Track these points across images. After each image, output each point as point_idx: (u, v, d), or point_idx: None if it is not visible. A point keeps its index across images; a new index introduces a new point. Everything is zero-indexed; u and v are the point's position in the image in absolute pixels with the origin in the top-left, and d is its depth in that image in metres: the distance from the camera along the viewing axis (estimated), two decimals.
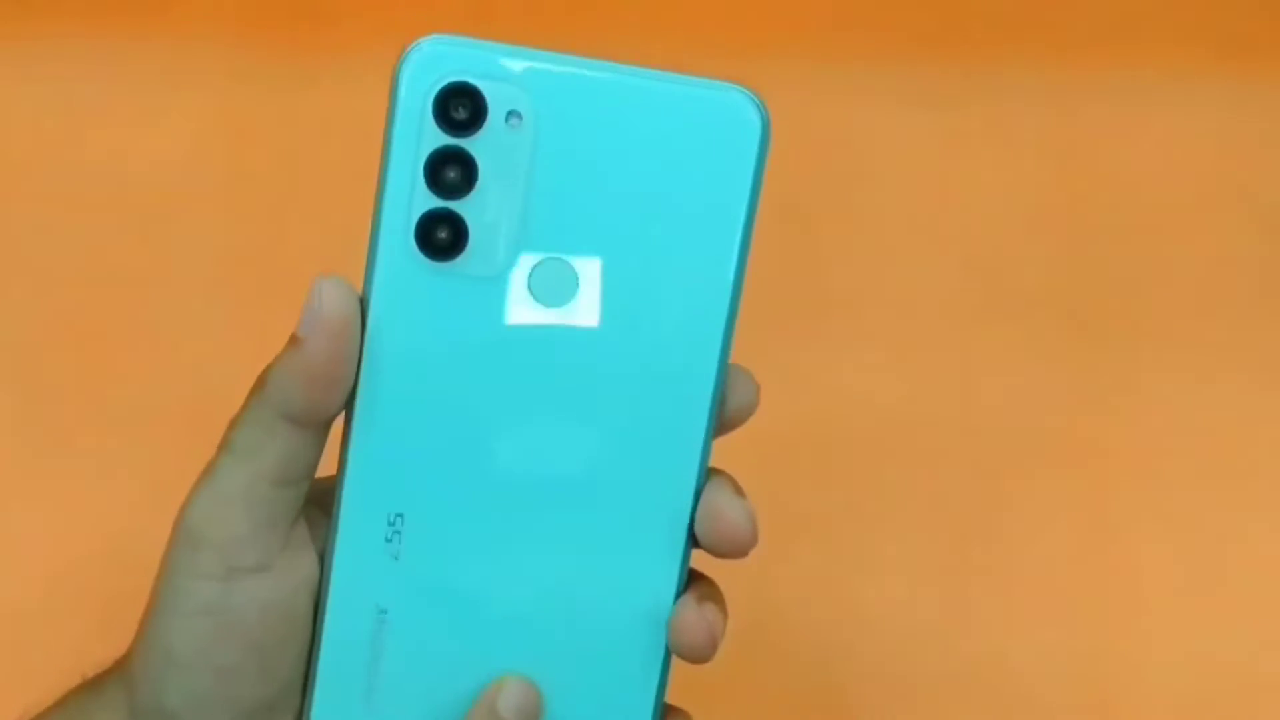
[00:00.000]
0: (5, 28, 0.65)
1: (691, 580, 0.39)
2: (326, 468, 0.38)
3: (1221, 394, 0.62)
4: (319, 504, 0.38)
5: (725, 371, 0.38)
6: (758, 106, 0.37)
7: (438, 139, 0.36)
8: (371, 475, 0.37)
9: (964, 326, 0.63)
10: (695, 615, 0.38)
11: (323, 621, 0.38)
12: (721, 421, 0.38)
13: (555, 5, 0.66)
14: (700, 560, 0.39)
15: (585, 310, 0.37)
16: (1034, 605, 0.59)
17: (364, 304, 0.37)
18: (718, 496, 0.38)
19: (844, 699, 0.58)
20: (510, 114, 0.36)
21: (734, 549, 0.38)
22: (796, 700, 0.58)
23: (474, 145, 0.36)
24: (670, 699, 0.40)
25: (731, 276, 0.37)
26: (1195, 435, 0.61)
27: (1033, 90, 0.66)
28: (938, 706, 0.58)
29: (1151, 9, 0.67)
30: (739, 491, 0.39)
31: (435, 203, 0.36)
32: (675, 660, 0.39)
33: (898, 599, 0.59)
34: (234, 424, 0.37)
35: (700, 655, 0.38)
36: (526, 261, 0.37)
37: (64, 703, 0.39)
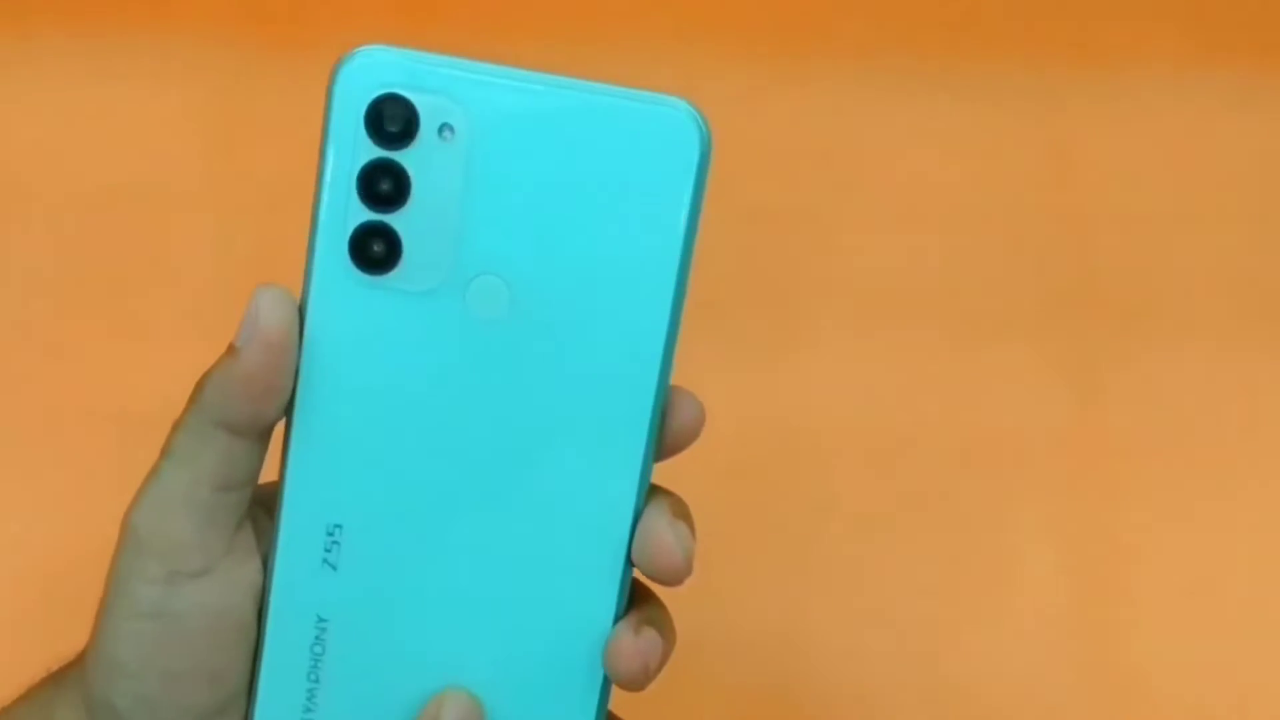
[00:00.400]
0: (1, 27, 0.66)
1: (636, 602, 0.38)
2: (272, 473, 0.38)
3: (1222, 394, 0.61)
4: (267, 508, 0.38)
5: (666, 392, 0.37)
6: (697, 120, 0.36)
7: (370, 151, 0.36)
8: (310, 486, 0.37)
9: (959, 328, 0.62)
10: (630, 642, 0.37)
11: (264, 630, 0.38)
12: (665, 443, 0.37)
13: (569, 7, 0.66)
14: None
15: (521, 327, 0.36)
16: (1032, 609, 0.58)
17: (302, 315, 0.37)
18: (655, 521, 0.37)
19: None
20: (443, 127, 0.36)
21: (666, 577, 0.37)
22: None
23: (407, 158, 0.36)
24: (625, 713, 0.40)
25: (671, 296, 0.36)
26: (1195, 435, 0.60)
27: (1027, 89, 0.65)
28: (937, 711, 0.57)
29: (1147, 8, 0.65)
30: (680, 515, 0.38)
31: (368, 215, 0.36)
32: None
33: (887, 606, 0.58)
34: (174, 429, 0.37)
35: (633, 684, 0.37)
36: (462, 277, 0.36)
37: (29, 696, 0.40)
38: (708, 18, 0.66)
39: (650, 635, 0.37)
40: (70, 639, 0.40)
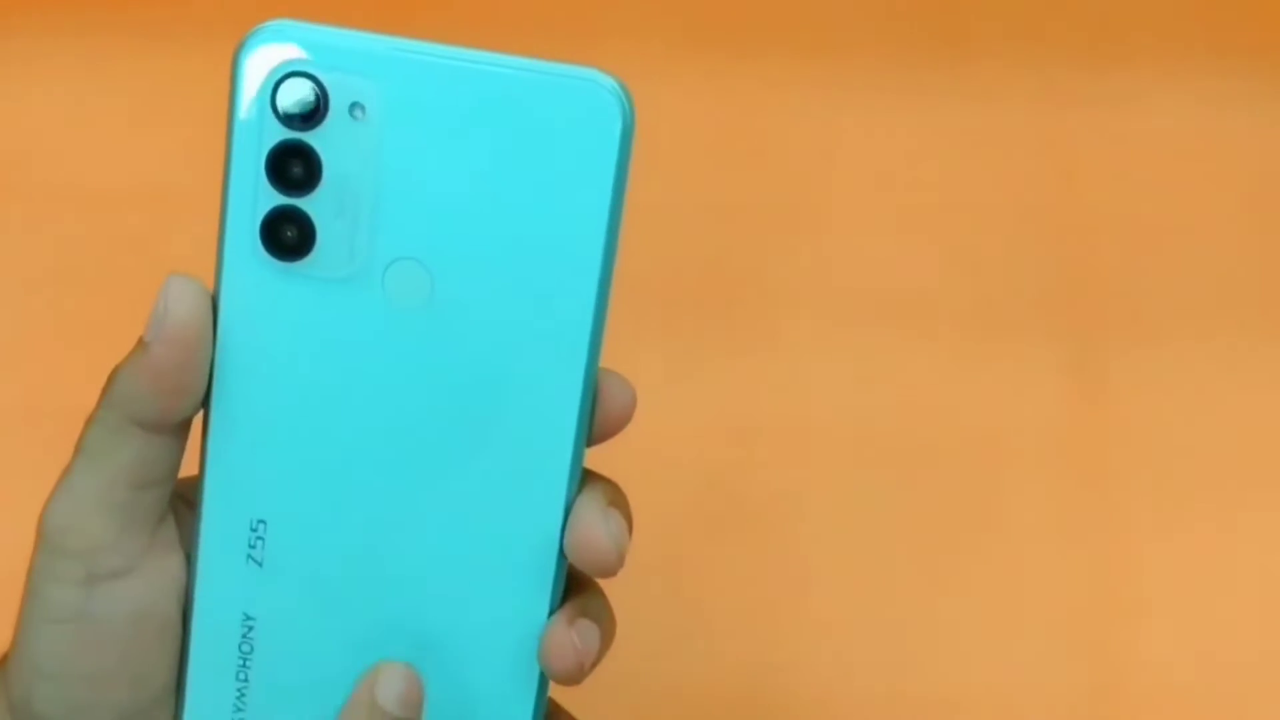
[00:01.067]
0: (1, 27, 0.65)
1: (574, 592, 0.37)
2: (191, 467, 0.37)
3: (1224, 392, 0.60)
4: (189, 501, 0.37)
5: (594, 376, 0.36)
6: (618, 94, 0.34)
7: (278, 133, 0.34)
8: (230, 481, 0.36)
9: (958, 327, 0.61)
10: (563, 636, 0.36)
11: (190, 630, 0.37)
12: (596, 428, 0.36)
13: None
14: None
15: (441, 313, 0.35)
16: (1032, 608, 0.58)
17: (215, 305, 0.35)
18: (586, 511, 0.36)
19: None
20: (354, 105, 0.34)
21: (597, 569, 0.36)
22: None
23: (316, 139, 0.34)
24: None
25: (596, 277, 0.35)
26: (1197, 433, 0.60)
27: (1026, 89, 0.64)
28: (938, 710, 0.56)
29: (1147, 8, 0.65)
30: (614, 503, 0.36)
31: (279, 200, 0.34)
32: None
33: (885, 606, 0.58)
34: (87, 424, 0.36)
35: (568, 679, 0.36)
36: (379, 262, 0.35)
37: None
38: (689, 16, 0.65)
39: (585, 627, 0.36)
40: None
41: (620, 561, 0.36)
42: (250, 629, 0.37)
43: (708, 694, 0.55)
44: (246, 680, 0.37)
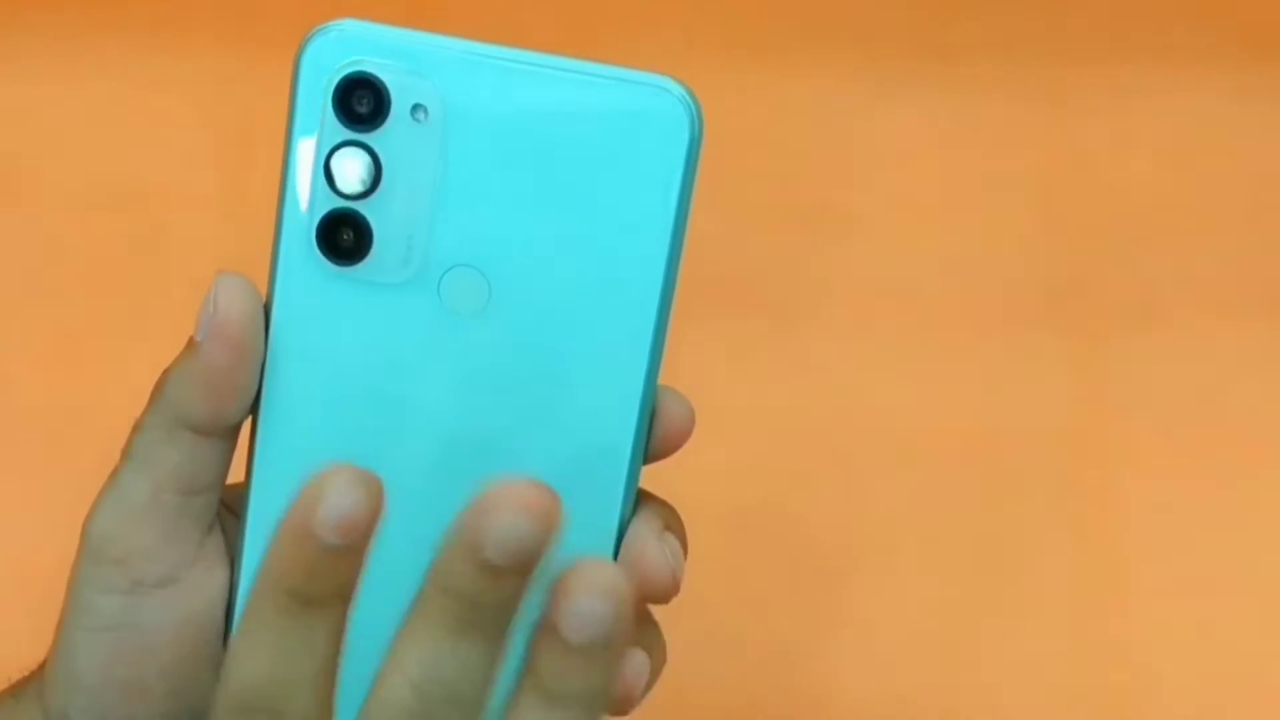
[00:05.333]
0: (1, 25, 0.65)
1: None
2: (238, 474, 0.36)
3: (1225, 391, 0.60)
4: (237, 513, 0.36)
5: (653, 392, 0.35)
6: (687, 101, 0.33)
7: (339, 134, 0.33)
8: (278, 489, 0.35)
9: (961, 328, 0.61)
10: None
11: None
12: (653, 446, 0.35)
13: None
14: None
15: (498, 321, 0.34)
16: (1036, 606, 0.57)
17: (267, 307, 0.34)
18: (642, 534, 0.35)
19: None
20: (416, 107, 0.33)
21: (652, 594, 0.35)
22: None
23: (377, 141, 0.33)
24: None
25: (659, 289, 0.34)
26: (1199, 432, 0.60)
27: (1030, 87, 0.64)
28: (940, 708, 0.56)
29: (1147, 7, 0.65)
30: (669, 527, 0.35)
31: (336, 203, 0.34)
32: None
33: (888, 606, 0.57)
34: (135, 429, 0.35)
35: (619, 714, 0.35)
36: (436, 268, 0.34)
37: None
38: (706, 11, 0.65)
39: (638, 658, 0.35)
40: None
41: (676, 588, 0.35)
42: None
43: (710, 690, 0.55)
44: None
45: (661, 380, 0.35)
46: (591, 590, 0.29)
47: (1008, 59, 0.65)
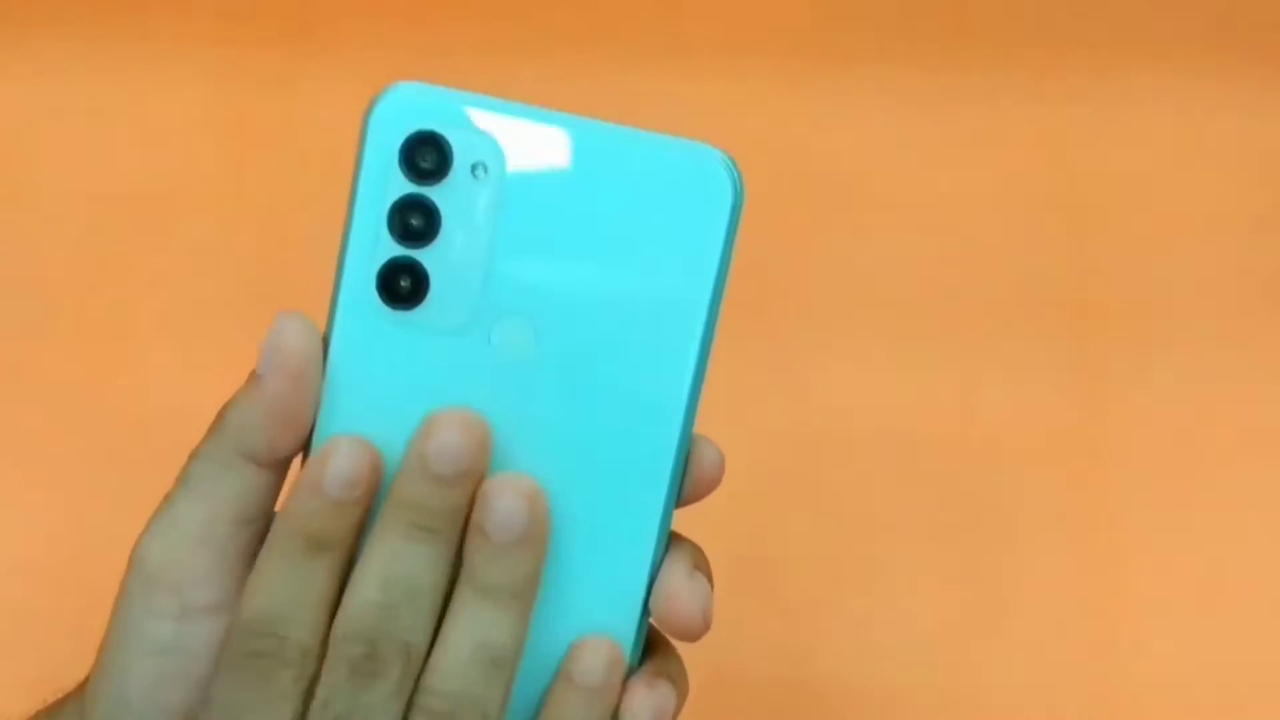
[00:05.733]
0: (3, 26, 0.66)
1: (652, 653, 0.38)
2: None
3: (1225, 393, 0.60)
4: None
5: (689, 439, 0.37)
6: (729, 168, 0.36)
7: (403, 187, 0.36)
8: None
9: (961, 331, 0.62)
10: (645, 697, 0.37)
11: None
12: (684, 493, 0.37)
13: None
14: None
15: (546, 369, 0.36)
16: (1037, 609, 0.58)
17: (325, 345, 0.36)
18: (673, 575, 0.37)
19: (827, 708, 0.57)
20: (476, 165, 0.36)
21: (683, 634, 0.37)
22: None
23: (438, 195, 0.36)
24: None
25: (697, 345, 0.36)
26: (1198, 435, 0.60)
27: (1028, 91, 0.65)
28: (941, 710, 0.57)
29: (1146, 7, 0.65)
30: (698, 567, 0.37)
31: (397, 251, 0.36)
32: None
33: (891, 607, 0.58)
34: (193, 457, 0.37)
35: None
36: (489, 316, 0.36)
37: None
38: (707, 26, 0.66)
39: (664, 690, 0.37)
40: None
41: (706, 627, 0.37)
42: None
43: (711, 686, 0.55)
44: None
45: None
46: (509, 493, 0.35)
47: (1007, 59, 0.65)
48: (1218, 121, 0.65)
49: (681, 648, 0.38)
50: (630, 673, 0.37)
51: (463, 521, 0.35)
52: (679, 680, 0.38)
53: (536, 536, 0.35)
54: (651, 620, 0.37)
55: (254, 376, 0.36)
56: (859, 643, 0.57)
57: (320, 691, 0.35)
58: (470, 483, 0.35)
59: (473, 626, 0.35)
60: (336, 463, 0.35)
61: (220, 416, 0.37)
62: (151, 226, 0.64)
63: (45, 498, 0.60)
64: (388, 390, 0.36)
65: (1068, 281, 0.63)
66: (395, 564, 0.35)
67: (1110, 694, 0.57)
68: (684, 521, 0.38)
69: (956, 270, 0.63)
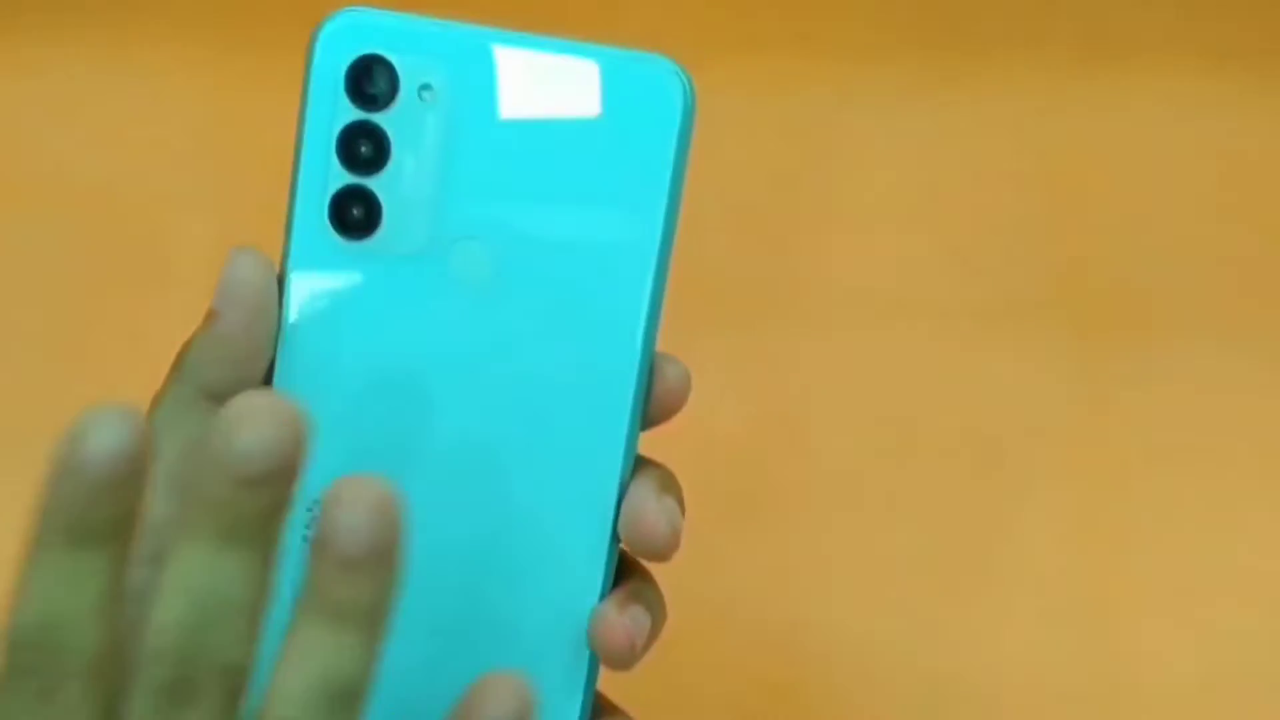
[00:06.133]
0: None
1: (625, 577, 0.37)
2: None
3: (1223, 390, 0.60)
4: None
5: (650, 358, 0.36)
6: (680, 76, 0.35)
7: (349, 113, 0.35)
8: None
9: (956, 326, 0.61)
10: (616, 619, 0.36)
11: None
12: (650, 412, 0.37)
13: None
14: None
15: (503, 292, 0.36)
16: (1034, 604, 0.57)
17: (281, 281, 0.36)
18: (641, 494, 0.36)
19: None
20: (423, 87, 0.35)
21: (652, 552, 0.36)
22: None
23: (386, 120, 0.35)
24: (630, 701, 0.39)
25: (654, 258, 0.36)
26: (1196, 431, 0.59)
27: (1025, 89, 0.64)
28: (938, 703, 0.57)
29: (1145, 6, 0.65)
30: (666, 488, 0.37)
31: (348, 179, 0.36)
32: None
33: (888, 601, 0.58)
34: (154, 404, 0.37)
35: (620, 662, 0.36)
36: (444, 240, 0.36)
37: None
38: (700, 18, 0.65)
39: (637, 612, 0.36)
40: None
41: (676, 544, 0.36)
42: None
43: (710, 682, 0.55)
44: None
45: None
46: (355, 505, 0.30)
47: (1005, 58, 0.65)
48: (1218, 121, 0.64)
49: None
50: (601, 598, 0.36)
51: (282, 518, 0.30)
52: (655, 606, 0.37)
53: (386, 552, 0.30)
54: (621, 544, 0.36)
55: (210, 313, 0.36)
56: (856, 643, 0.57)
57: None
58: (287, 479, 0.30)
59: (316, 654, 0.30)
60: (92, 438, 0.29)
61: (178, 358, 0.36)
62: (151, 226, 0.64)
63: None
64: (345, 320, 0.36)
65: (1067, 281, 0.62)
66: (204, 574, 0.30)
67: (1108, 691, 0.56)
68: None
69: (947, 267, 0.62)
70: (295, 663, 0.30)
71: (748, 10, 0.65)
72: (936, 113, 0.64)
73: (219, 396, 0.36)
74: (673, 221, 0.36)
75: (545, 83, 0.35)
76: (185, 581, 0.30)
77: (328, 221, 0.36)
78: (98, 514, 0.29)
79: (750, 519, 0.58)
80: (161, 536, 0.36)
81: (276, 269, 0.36)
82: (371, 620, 0.30)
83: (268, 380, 0.36)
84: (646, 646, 0.37)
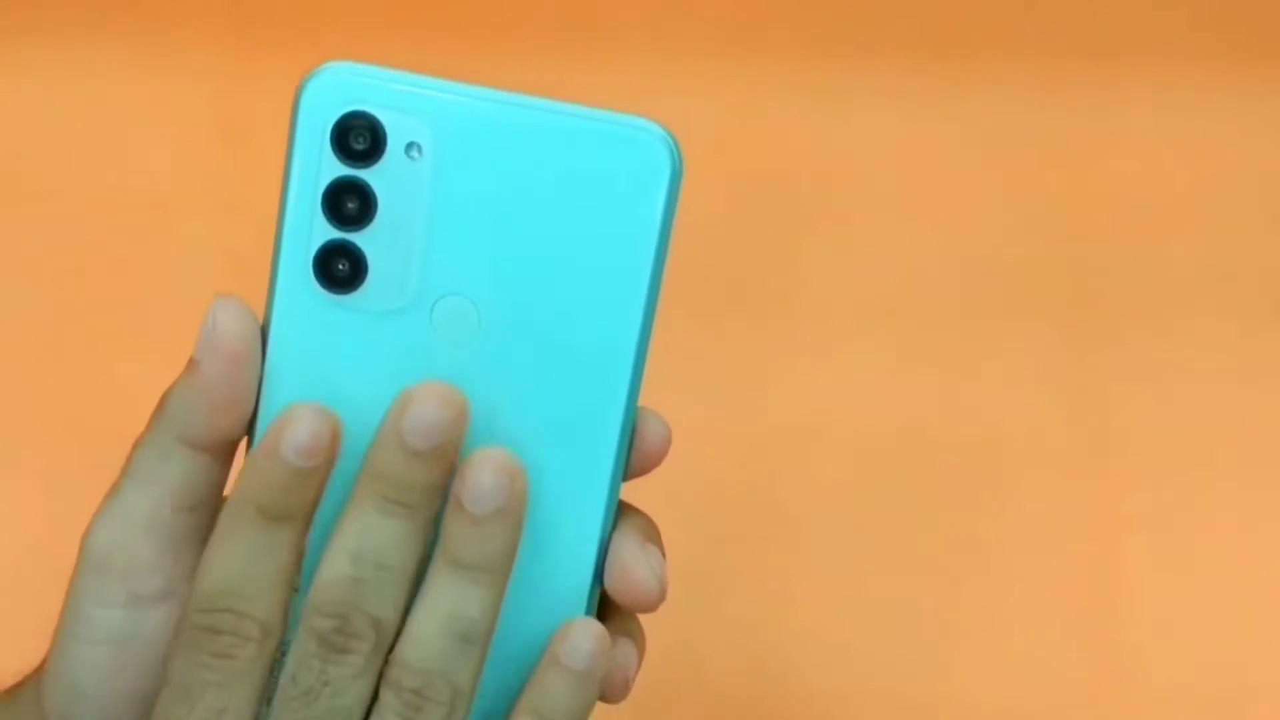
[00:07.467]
0: (3, 26, 0.65)
1: (608, 614, 0.38)
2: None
3: (1222, 390, 0.61)
4: None
5: (634, 414, 0.37)
6: (667, 143, 0.35)
7: (336, 169, 0.35)
8: None
9: (956, 326, 0.62)
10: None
11: None
12: (632, 465, 0.37)
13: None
14: None
15: (488, 348, 0.36)
16: (1032, 605, 0.58)
17: (264, 331, 0.36)
18: (625, 546, 0.37)
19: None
20: (410, 145, 0.35)
21: (638, 606, 0.37)
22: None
23: (373, 176, 0.35)
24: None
25: (639, 320, 0.36)
26: (1196, 431, 0.60)
27: (1026, 89, 0.65)
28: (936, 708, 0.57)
29: (1146, 6, 0.65)
30: (650, 539, 0.37)
31: (333, 234, 0.35)
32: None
33: (886, 604, 0.58)
34: (136, 446, 0.37)
35: (613, 697, 0.37)
36: (428, 297, 0.36)
37: None
38: (700, 19, 0.65)
39: (626, 648, 0.37)
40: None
41: (662, 597, 0.37)
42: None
43: (710, 688, 0.56)
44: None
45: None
46: (489, 467, 0.35)
47: (1003, 58, 0.65)
48: (1216, 121, 0.64)
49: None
50: None
51: (438, 496, 0.35)
52: (638, 638, 0.38)
53: (514, 512, 0.35)
54: (608, 592, 0.37)
55: (191, 362, 0.36)
56: (853, 642, 0.58)
57: (288, 664, 0.35)
58: (446, 458, 0.35)
59: (445, 600, 0.35)
60: (295, 430, 0.34)
61: (160, 404, 0.36)
62: (151, 226, 0.64)
63: (44, 496, 0.60)
64: (329, 373, 0.36)
65: (1066, 280, 0.63)
66: (367, 537, 0.35)
67: (1106, 694, 0.57)
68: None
69: (951, 268, 0.63)
70: (426, 608, 0.35)
71: (748, 10, 0.65)
72: (936, 113, 0.64)
73: (199, 445, 0.36)
74: (657, 283, 0.36)
75: (532, 143, 0.35)
76: (350, 543, 0.35)
77: (312, 275, 0.36)
78: (289, 498, 0.34)
79: (751, 518, 0.58)
80: (138, 582, 0.36)
81: (259, 318, 0.36)
82: (496, 572, 0.35)
83: (251, 430, 0.36)
84: (634, 680, 0.38)
